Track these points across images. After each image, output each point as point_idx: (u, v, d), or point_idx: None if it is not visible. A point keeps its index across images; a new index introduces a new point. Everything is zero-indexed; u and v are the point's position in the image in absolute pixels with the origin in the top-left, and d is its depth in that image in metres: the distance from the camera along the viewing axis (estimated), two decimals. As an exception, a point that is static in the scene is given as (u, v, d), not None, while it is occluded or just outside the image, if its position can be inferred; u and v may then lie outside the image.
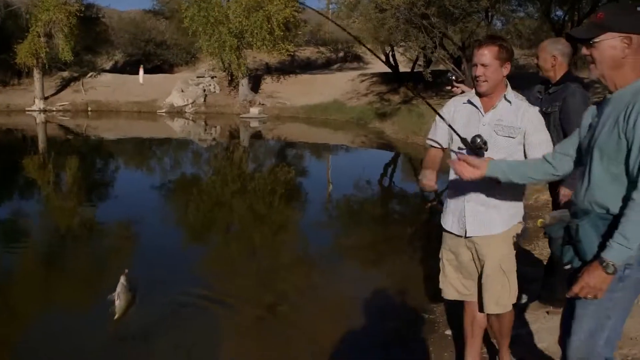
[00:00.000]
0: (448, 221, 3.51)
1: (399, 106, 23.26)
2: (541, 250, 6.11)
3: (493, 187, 3.21)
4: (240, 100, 28.65)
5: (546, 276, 4.80)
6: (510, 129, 3.26)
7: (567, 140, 2.79)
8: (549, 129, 3.45)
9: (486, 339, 3.99)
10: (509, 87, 3.35)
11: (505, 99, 3.31)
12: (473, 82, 3.32)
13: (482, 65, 3.22)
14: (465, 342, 3.73)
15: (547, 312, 4.60)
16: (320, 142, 21.36)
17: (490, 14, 19.48)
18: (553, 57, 4.33)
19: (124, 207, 10.28)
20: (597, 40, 2.41)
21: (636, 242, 2.24)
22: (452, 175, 3.34)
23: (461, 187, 3.34)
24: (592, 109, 2.62)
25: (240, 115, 27.00)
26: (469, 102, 3.40)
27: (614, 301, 2.39)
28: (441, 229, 3.60)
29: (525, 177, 2.85)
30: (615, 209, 2.34)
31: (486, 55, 3.20)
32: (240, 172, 15.04)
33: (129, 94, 29.78)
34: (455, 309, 4.17)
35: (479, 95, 3.36)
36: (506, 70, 3.26)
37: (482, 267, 3.40)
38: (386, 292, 5.87)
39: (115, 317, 3.18)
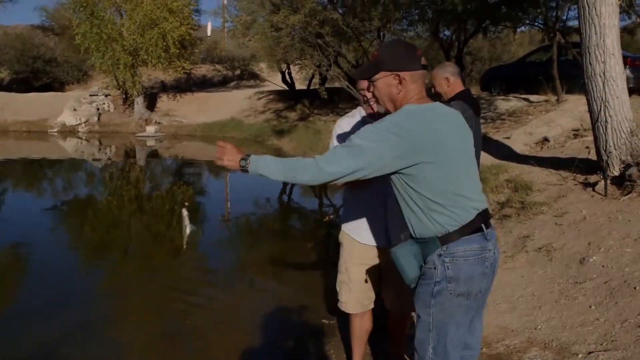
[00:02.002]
0: (365, 235, 3.56)
1: (296, 123, 23.62)
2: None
3: None
4: (136, 119, 28.26)
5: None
6: None
7: None
8: None
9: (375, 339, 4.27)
10: None
11: None
12: (364, 107, 3.51)
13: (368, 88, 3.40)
14: (355, 347, 3.89)
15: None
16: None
17: (382, 33, 20.21)
18: (446, 79, 4.76)
19: (12, 230, 9.89)
20: (374, 79, 2.70)
21: (269, 172, 2.61)
22: (357, 191, 3.49)
23: (374, 200, 3.47)
24: None
25: (136, 134, 26.60)
26: (364, 121, 3.48)
27: (432, 316, 2.62)
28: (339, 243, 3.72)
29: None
30: (419, 232, 2.64)
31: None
32: (137, 192, 14.80)
33: (17, 113, 28.73)
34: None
35: (372, 117, 3.49)
36: (369, 94, 3.46)
37: (387, 271, 3.51)
38: (287, 304, 6.03)
39: (184, 240, 3.62)
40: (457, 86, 4.82)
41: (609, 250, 5.36)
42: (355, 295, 3.65)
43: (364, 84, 3.37)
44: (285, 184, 16.09)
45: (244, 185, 15.74)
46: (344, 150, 2.52)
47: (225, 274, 7.48)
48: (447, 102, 4.76)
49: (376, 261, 3.58)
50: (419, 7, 19.26)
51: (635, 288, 4.53)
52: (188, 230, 3.50)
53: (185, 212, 3.56)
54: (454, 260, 2.57)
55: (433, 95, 5.02)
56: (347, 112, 3.96)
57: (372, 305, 3.74)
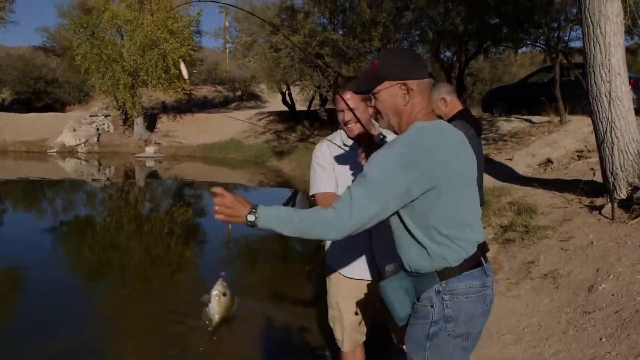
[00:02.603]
0: (351, 269, 3.36)
1: (296, 144, 23.48)
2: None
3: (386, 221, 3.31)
4: (136, 140, 28.18)
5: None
6: None
7: None
8: None
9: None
10: (377, 125, 3.32)
11: (382, 135, 3.26)
12: (344, 129, 3.28)
13: (350, 109, 3.14)
14: None
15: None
16: (218, 181, 21.15)
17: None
18: (442, 100, 4.58)
19: (10, 251, 9.74)
20: (377, 90, 2.40)
21: (283, 228, 2.24)
22: None
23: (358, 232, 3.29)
24: None
25: (136, 155, 26.46)
26: (344, 144, 3.33)
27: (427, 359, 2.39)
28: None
29: None
30: (416, 266, 2.38)
31: (353, 98, 3.12)
32: (136, 213, 14.64)
33: (16, 133, 28.66)
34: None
35: (352, 139, 3.30)
36: (371, 109, 3.16)
37: None
38: (286, 328, 5.91)
39: (211, 326, 2.83)
40: (455, 105, 4.65)
41: (618, 277, 5.13)
42: (348, 331, 3.44)
43: (343, 104, 3.14)
44: (287, 202, 15.93)
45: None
46: (361, 192, 2.19)
47: None
48: (448, 122, 4.57)
49: (367, 294, 3.35)
50: (419, 28, 19.20)
51: (648, 319, 4.30)
52: (217, 316, 2.78)
53: (219, 289, 2.80)
54: (454, 298, 2.32)
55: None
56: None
57: (364, 338, 3.53)
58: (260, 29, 19.46)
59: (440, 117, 4.69)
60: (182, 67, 3.19)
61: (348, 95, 3.13)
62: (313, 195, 3.31)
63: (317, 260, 9.12)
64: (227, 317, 2.83)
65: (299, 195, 17.39)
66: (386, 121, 2.45)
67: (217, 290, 2.78)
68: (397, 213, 2.32)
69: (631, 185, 6.88)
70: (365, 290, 3.34)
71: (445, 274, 2.32)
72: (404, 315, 2.42)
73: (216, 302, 2.77)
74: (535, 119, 15.54)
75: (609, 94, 6.98)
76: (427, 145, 2.25)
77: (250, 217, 2.25)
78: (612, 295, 4.89)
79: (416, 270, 2.37)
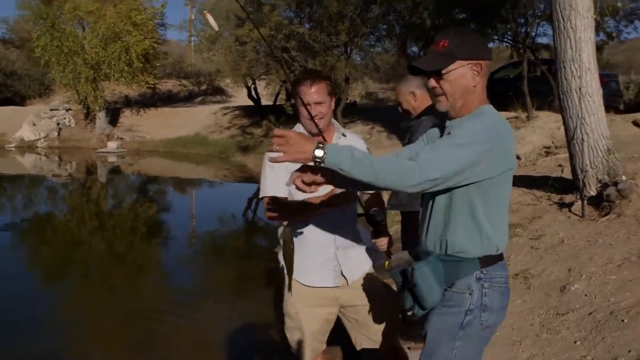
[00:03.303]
0: (312, 276, 3.11)
1: (261, 139, 23.27)
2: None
3: (350, 225, 3.10)
4: (98, 134, 27.64)
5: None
6: None
7: (414, 146, 2.56)
8: None
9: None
10: (336, 124, 3.16)
11: (342, 134, 3.13)
12: (302, 122, 3.06)
13: (317, 103, 2.95)
14: None
15: (409, 348, 4.54)
16: (183, 177, 20.86)
17: (349, 48, 19.94)
18: (412, 94, 4.38)
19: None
20: (448, 70, 2.25)
21: (356, 169, 2.04)
22: (299, 226, 3.05)
23: (320, 236, 3.07)
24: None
25: (98, 150, 25.95)
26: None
27: (456, 351, 2.28)
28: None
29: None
30: (464, 249, 2.27)
31: (317, 92, 2.95)
32: (98, 210, 14.34)
33: (-27, 128, 27.90)
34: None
35: (313, 135, 3.00)
36: (333, 104, 3.08)
37: (356, 310, 3.15)
38: (253, 321, 5.90)
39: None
40: (425, 100, 4.44)
41: (591, 277, 5.00)
42: (309, 341, 3.19)
43: (314, 96, 2.93)
44: (252, 198, 15.74)
45: (209, 202, 15.42)
46: (446, 150, 2.09)
47: (191, 292, 7.27)
48: (417, 117, 4.39)
49: (328, 302, 3.15)
50: (386, 22, 19.05)
51: (623, 321, 4.16)
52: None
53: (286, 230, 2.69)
54: (492, 287, 2.27)
55: (401, 113, 4.64)
56: None
57: (324, 347, 3.29)
58: (226, 21, 19.10)
59: (408, 111, 4.51)
60: (209, 18, 3.03)
61: (314, 89, 2.95)
62: (262, 199, 3.08)
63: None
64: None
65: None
66: (450, 103, 2.29)
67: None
68: (467, 193, 2.22)
69: (601, 182, 6.79)
70: (326, 298, 3.14)
71: (486, 261, 2.27)
72: (433, 302, 2.28)
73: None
74: (502, 114, 15.44)
75: (580, 89, 6.88)
76: (506, 130, 2.23)
77: (318, 152, 2.05)
78: (585, 295, 4.76)
79: (459, 254, 2.26)
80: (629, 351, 3.81)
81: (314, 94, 2.94)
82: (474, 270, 2.25)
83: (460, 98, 2.27)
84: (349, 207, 3.14)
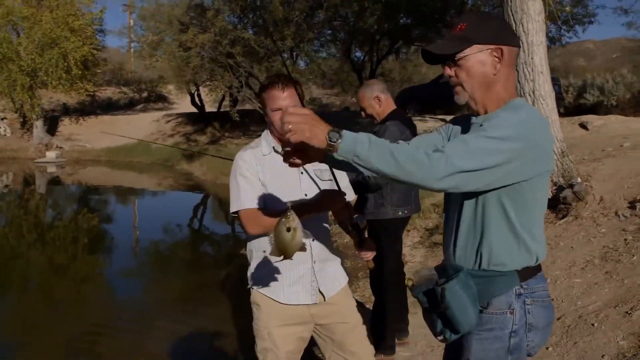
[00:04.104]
0: (288, 293, 2.87)
1: (206, 147, 22.92)
2: (362, 292, 5.98)
3: (326, 235, 2.93)
4: (35, 144, 26.69)
5: (375, 322, 4.55)
6: (327, 171, 2.85)
7: (431, 137, 2.29)
8: None
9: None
10: None
11: None
12: (272, 129, 2.86)
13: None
14: None
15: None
16: (126, 186, 20.33)
17: (295, 53, 19.84)
18: (376, 98, 4.25)
19: None
20: (463, 55, 1.99)
21: (373, 157, 1.73)
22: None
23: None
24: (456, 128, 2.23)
25: (36, 160, 25.03)
26: (275, 151, 2.83)
27: None
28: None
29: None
30: (501, 261, 2.01)
31: (289, 97, 2.75)
32: (37, 221, 13.82)
33: None
34: None
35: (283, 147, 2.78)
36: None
37: (331, 328, 2.95)
38: (202, 344, 5.65)
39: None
40: (389, 105, 4.33)
41: (556, 281, 4.97)
42: None
43: (287, 101, 2.71)
44: (198, 207, 15.43)
45: (154, 211, 15.11)
46: (477, 142, 1.81)
47: (139, 307, 7.02)
48: (381, 123, 4.27)
49: (304, 320, 2.93)
50: (331, 28, 19.05)
51: (593, 325, 4.12)
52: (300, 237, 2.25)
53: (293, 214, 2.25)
54: (535, 302, 2.01)
55: (363, 118, 4.52)
56: (259, 135, 3.16)
57: None
58: (168, 27, 18.75)
59: (372, 116, 4.38)
60: None
61: (285, 94, 2.74)
62: (236, 213, 2.80)
63: (232, 265, 8.74)
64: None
65: (211, 199, 16.94)
66: (468, 94, 2.04)
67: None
68: (499, 198, 1.95)
69: (556, 185, 6.81)
70: (302, 316, 2.91)
71: (526, 273, 2.02)
72: (469, 325, 2.01)
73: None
74: (449, 118, 15.59)
75: (533, 92, 6.91)
76: (545, 127, 1.97)
77: (333, 136, 1.74)
78: (552, 300, 4.71)
79: (497, 267, 2.00)
80: (602, 356, 3.77)
81: (286, 98, 2.73)
82: (513, 285, 2.00)
83: (479, 88, 2.02)
84: (324, 215, 2.97)
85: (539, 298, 2.04)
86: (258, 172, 2.80)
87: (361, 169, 1.82)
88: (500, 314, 2.01)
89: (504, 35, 2.03)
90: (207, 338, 5.75)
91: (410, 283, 2.18)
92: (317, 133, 1.76)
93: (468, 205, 2.03)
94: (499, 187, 1.92)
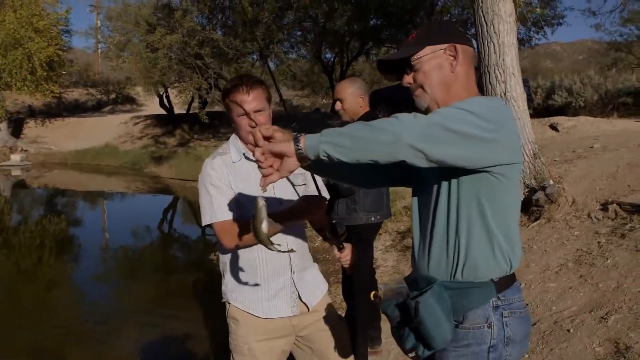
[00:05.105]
0: (267, 307, 2.71)
1: (175, 149, 22.71)
2: (334, 298, 5.86)
3: (303, 243, 2.80)
4: (-1, 147, 26.23)
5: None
6: (301, 175, 2.75)
7: None
8: None
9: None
10: None
11: None
12: (240, 135, 2.70)
13: (256, 111, 2.59)
14: None
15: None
16: (93, 190, 20.03)
17: (264, 55, 19.71)
18: (361, 97, 4.10)
19: None
20: (418, 57, 1.97)
21: (338, 140, 1.65)
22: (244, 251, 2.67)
23: (272, 264, 2.69)
24: None
25: (0, 164, 24.55)
26: (246, 157, 2.69)
27: None
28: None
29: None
30: (477, 269, 1.89)
31: (255, 99, 2.59)
32: (2, 225, 13.59)
33: None
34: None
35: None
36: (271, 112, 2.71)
37: (311, 338, 2.81)
38: (170, 348, 5.62)
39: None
40: (366, 106, 4.20)
41: (530, 285, 4.91)
42: None
43: (253, 104, 2.57)
44: (167, 210, 15.23)
45: (122, 215, 14.94)
46: (448, 109, 1.72)
47: (108, 312, 6.90)
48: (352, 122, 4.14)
49: (285, 332, 2.77)
50: (301, 29, 18.94)
51: (569, 331, 4.05)
52: (265, 227, 2.12)
53: (262, 202, 2.13)
54: (512, 314, 1.92)
55: (333, 112, 4.39)
56: (228, 137, 2.92)
57: None
58: (135, 27, 18.49)
59: (337, 112, 4.25)
60: None
61: (251, 96, 2.57)
62: (210, 225, 2.63)
63: (203, 269, 8.61)
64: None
65: (180, 201, 16.76)
66: (429, 96, 1.97)
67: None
68: (478, 198, 1.84)
69: (528, 187, 6.77)
70: (283, 329, 2.76)
71: (501, 284, 1.91)
72: (443, 341, 1.89)
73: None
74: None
75: (505, 94, 6.85)
76: (501, 110, 1.85)
77: (295, 140, 1.69)
78: (527, 305, 4.65)
79: (471, 277, 1.89)
80: (580, 363, 3.70)
81: (252, 101, 2.57)
82: (489, 297, 1.89)
83: (439, 88, 1.96)
84: (300, 223, 2.83)
85: (517, 309, 1.94)
86: (230, 182, 2.64)
87: (339, 155, 1.66)
88: (477, 328, 1.91)
89: (455, 34, 2.01)
90: (176, 342, 5.68)
91: (378, 296, 2.05)
92: (284, 148, 1.71)
93: (442, 208, 1.92)
94: (479, 171, 1.79)
